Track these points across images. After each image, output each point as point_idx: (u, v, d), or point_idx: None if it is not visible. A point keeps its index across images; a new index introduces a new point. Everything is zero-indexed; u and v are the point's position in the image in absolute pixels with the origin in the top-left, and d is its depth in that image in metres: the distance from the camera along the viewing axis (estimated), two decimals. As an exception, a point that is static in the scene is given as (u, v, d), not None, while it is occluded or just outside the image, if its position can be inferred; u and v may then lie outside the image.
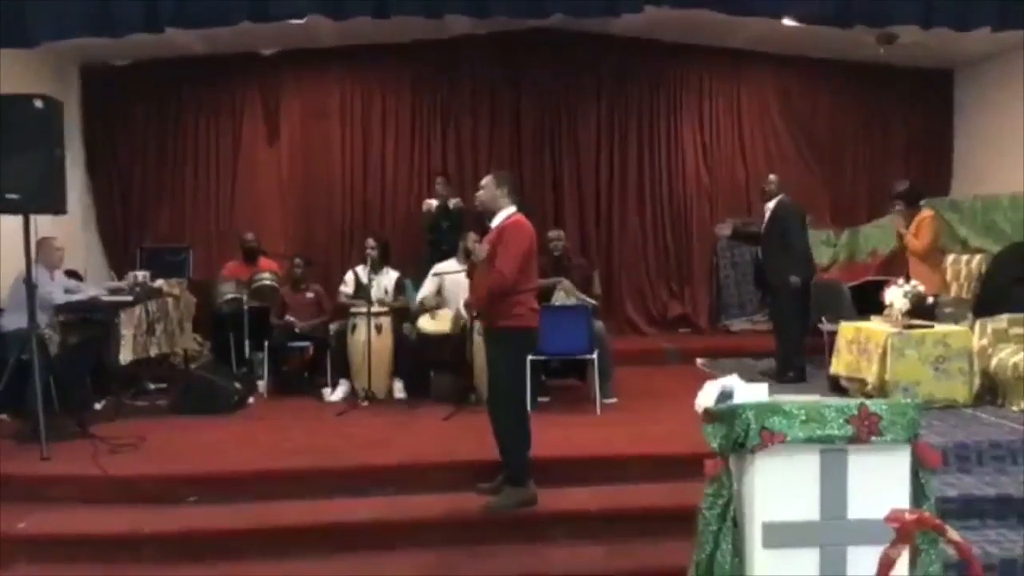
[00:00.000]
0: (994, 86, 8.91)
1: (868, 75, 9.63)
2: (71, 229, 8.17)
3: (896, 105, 9.87)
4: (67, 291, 6.36)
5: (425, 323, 6.75)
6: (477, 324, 5.93)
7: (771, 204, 7.13)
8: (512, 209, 4.67)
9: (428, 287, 7.03)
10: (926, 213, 6.92)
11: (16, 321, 5.97)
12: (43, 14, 5.64)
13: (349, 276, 7.32)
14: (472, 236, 6.58)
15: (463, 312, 5.89)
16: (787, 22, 7.27)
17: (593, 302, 6.69)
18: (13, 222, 5.37)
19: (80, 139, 8.93)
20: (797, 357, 6.97)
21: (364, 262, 7.17)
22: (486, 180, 4.77)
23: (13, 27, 5.63)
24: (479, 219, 5.52)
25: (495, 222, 4.67)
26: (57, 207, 5.39)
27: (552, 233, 7.07)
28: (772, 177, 7.33)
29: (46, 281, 6.02)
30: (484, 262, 4.61)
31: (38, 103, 5.22)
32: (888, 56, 8.68)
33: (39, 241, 6.02)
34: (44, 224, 5.58)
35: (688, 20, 8.15)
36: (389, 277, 7.23)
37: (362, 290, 7.01)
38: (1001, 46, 8.06)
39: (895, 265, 7.31)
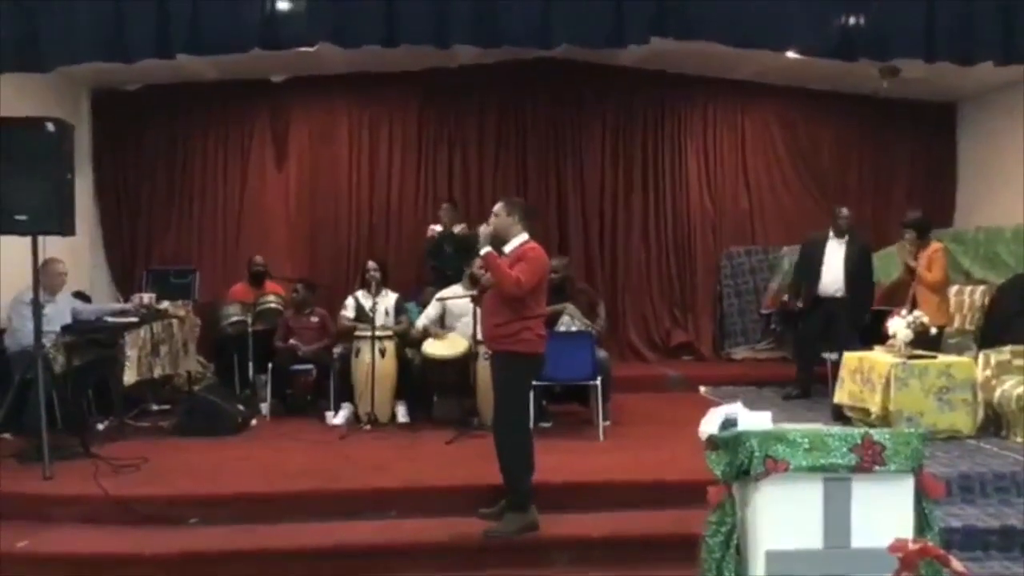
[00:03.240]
0: (997, 119, 8.97)
1: (871, 108, 9.70)
2: (79, 251, 8.22)
3: (899, 138, 9.94)
4: (75, 312, 6.38)
5: (430, 347, 6.77)
6: (482, 349, 5.95)
7: (845, 239, 7.45)
8: (525, 236, 4.68)
9: (431, 312, 7.06)
10: (937, 245, 6.97)
11: (18, 342, 5.99)
12: (56, 39, 5.71)
13: (349, 301, 7.35)
14: (479, 262, 6.62)
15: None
16: (791, 55, 7.34)
17: (597, 328, 6.69)
18: (20, 243, 5.43)
19: (90, 162, 9.01)
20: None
21: (365, 286, 7.21)
22: (498, 207, 4.75)
23: (26, 52, 5.71)
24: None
25: (508, 248, 4.65)
26: (65, 229, 5.42)
27: (554, 262, 7.03)
28: (846, 211, 7.59)
29: (27, 312, 5.91)
30: (494, 287, 4.62)
31: (49, 126, 5.27)
32: (891, 89, 8.76)
33: (42, 262, 6.05)
34: (52, 245, 5.61)
35: (693, 52, 8.23)
36: (389, 299, 7.26)
37: (363, 315, 7.05)
38: (1004, 80, 8.13)
39: (898, 295, 7.34)
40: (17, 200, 5.15)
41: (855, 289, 7.29)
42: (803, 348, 7.81)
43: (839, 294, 7.33)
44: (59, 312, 6.19)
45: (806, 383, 7.53)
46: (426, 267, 8.66)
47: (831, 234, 7.50)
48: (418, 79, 9.47)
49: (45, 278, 6.03)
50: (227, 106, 9.42)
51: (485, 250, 4.53)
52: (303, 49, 6.57)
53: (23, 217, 5.18)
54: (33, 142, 5.21)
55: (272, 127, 9.53)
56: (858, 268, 7.32)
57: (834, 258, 7.41)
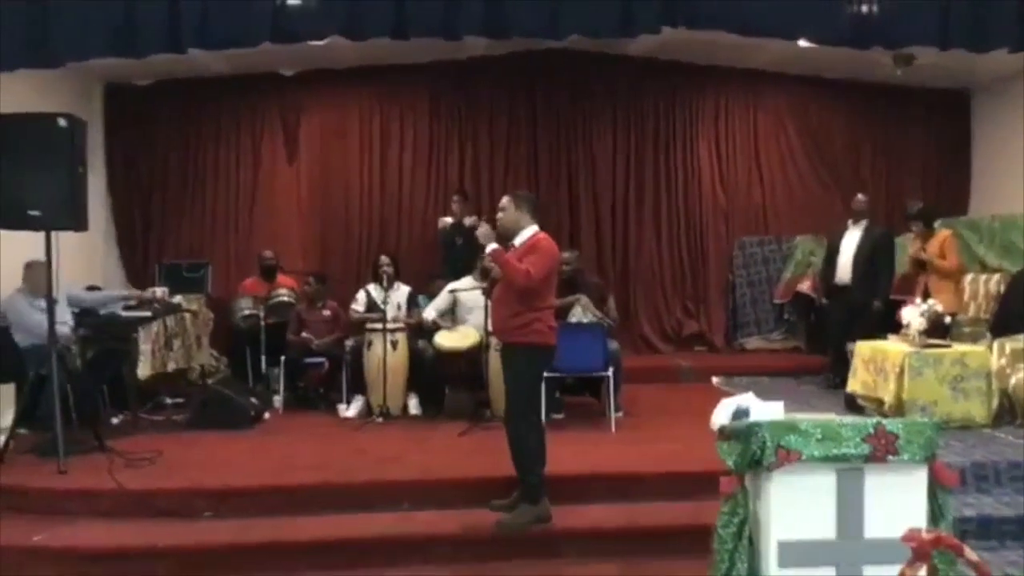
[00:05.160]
0: (1011, 106, 8.89)
1: (885, 96, 9.63)
2: (92, 245, 8.28)
3: (913, 126, 9.87)
4: (73, 299, 6.35)
5: (442, 339, 6.78)
6: (493, 340, 5.95)
7: (863, 223, 7.42)
8: (535, 228, 4.67)
9: (440, 304, 7.07)
10: (946, 232, 6.92)
11: (26, 338, 6.02)
12: (67, 34, 5.74)
13: (360, 295, 7.37)
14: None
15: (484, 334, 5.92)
16: (803, 43, 7.29)
17: (610, 321, 6.69)
18: (21, 239, 5.47)
19: (102, 157, 9.04)
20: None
21: (377, 280, 7.22)
22: (505, 202, 4.74)
23: (38, 47, 5.73)
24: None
25: (518, 241, 4.65)
26: (78, 224, 5.44)
27: (565, 255, 7.03)
28: (861, 197, 7.59)
29: (24, 308, 6.02)
30: (503, 279, 4.62)
31: (62, 122, 5.28)
32: (905, 77, 8.69)
33: (27, 264, 6.09)
34: (65, 240, 5.64)
35: (704, 41, 8.19)
36: (401, 292, 7.28)
37: (374, 308, 7.06)
38: (1018, 67, 8.06)
39: (911, 284, 7.30)
40: (30, 195, 5.18)
41: (864, 275, 7.25)
42: (829, 338, 7.80)
43: (849, 282, 7.35)
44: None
45: (838, 371, 7.30)
46: (438, 259, 8.67)
47: (850, 222, 7.54)
48: (428, 71, 9.46)
49: (29, 280, 6.07)
50: (238, 100, 9.43)
51: (491, 247, 4.52)
52: (313, 43, 6.57)
53: (37, 212, 5.20)
54: (45, 137, 5.22)
55: (283, 121, 9.53)
56: (867, 255, 7.27)
57: (848, 246, 7.45)
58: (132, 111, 9.20)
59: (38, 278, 6.07)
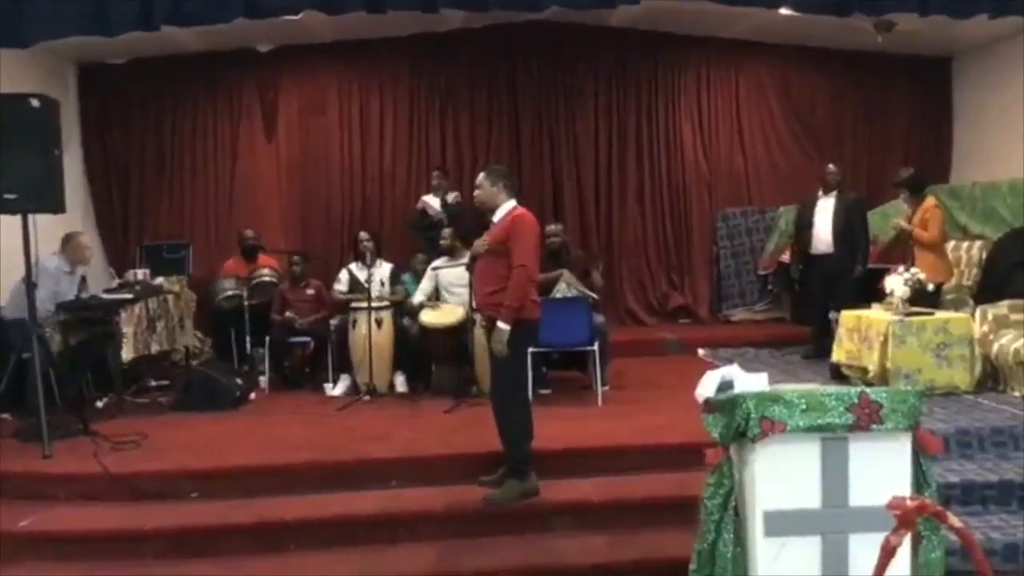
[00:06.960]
0: (992, 73, 8.89)
1: (866, 63, 9.61)
2: (71, 228, 8.14)
3: (895, 93, 9.87)
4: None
5: (427, 316, 6.76)
6: (478, 316, 5.94)
7: (833, 194, 7.40)
8: (512, 202, 4.67)
9: (427, 287, 7.05)
10: (930, 202, 6.92)
11: (13, 313, 6.00)
12: (38, 14, 5.61)
13: (343, 274, 7.34)
14: (446, 232, 6.70)
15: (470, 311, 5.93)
16: (784, 11, 7.24)
17: (593, 295, 6.68)
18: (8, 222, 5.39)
19: (78, 138, 8.92)
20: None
21: (359, 257, 7.18)
22: (480, 178, 4.76)
23: (8, 27, 5.60)
24: (479, 216, 5.45)
25: (497, 216, 4.65)
26: (55, 206, 5.39)
27: (550, 228, 7.04)
28: (833, 168, 7.58)
29: (60, 277, 6.25)
30: (486, 255, 4.61)
31: (35, 102, 5.21)
32: (886, 44, 8.66)
33: (66, 236, 6.39)
34: (44, 223, 5.57)
35: (685, 10, 8.15)
36: (383, 269, 7.25)
37: (357, 286, 7.03)
38: (999, 33, 8.05)
39: (895, 252, 7.32)
40: (5, 178, 5.11)
41: (844, 242, 7.24)
42: (808, 309, 7.79)
43: (829, 250, 7.32)
44: (74, 285, 6.33)
45: (819, 342, 7.33)
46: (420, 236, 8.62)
47: (820, 192, 7.51)
48: (407, 45, 9.36)
49: (70, 251, 6.42)
50: (214, 77, 9.31)
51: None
52: (288, 17, 6.47)
53: (12, 196, 5.14)
54: (19, 119, 5.15)
55: (261, 98, 9.42)
56: (847, 221, 7.27)
57: (823, 216, 7.41)
58: (106, 91, 9.08)
59: (75, 252, 6.44)
